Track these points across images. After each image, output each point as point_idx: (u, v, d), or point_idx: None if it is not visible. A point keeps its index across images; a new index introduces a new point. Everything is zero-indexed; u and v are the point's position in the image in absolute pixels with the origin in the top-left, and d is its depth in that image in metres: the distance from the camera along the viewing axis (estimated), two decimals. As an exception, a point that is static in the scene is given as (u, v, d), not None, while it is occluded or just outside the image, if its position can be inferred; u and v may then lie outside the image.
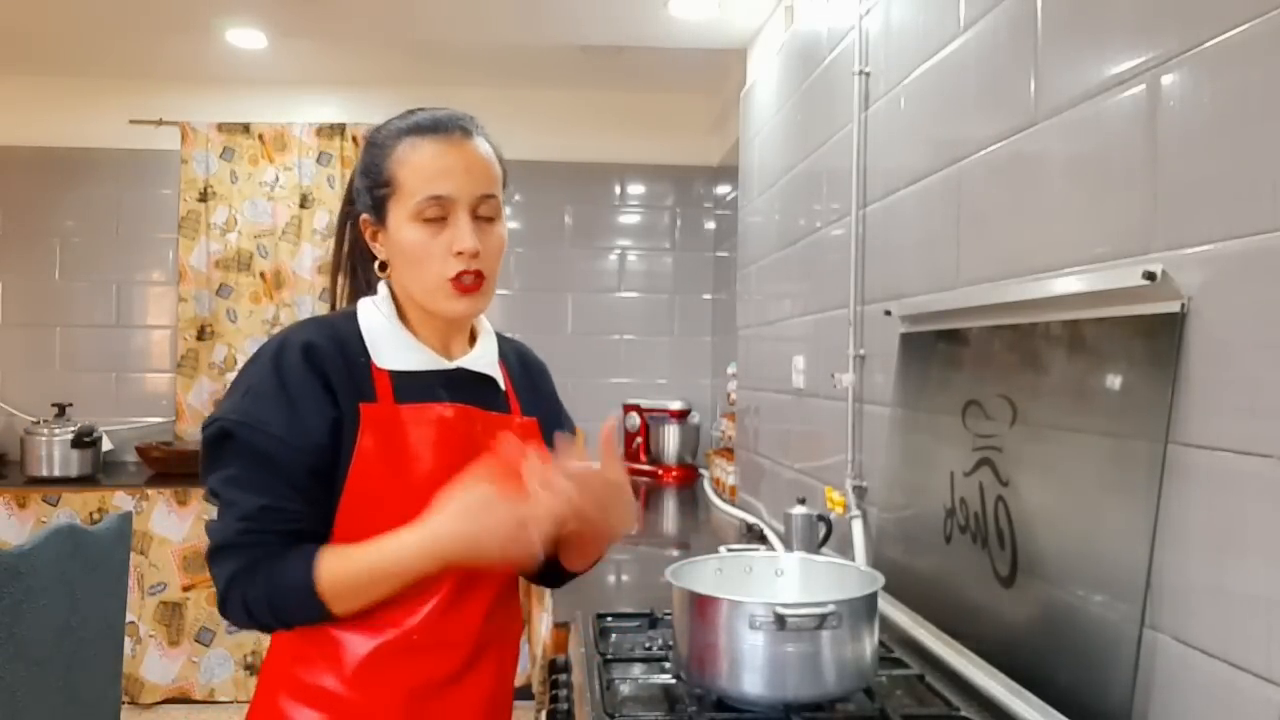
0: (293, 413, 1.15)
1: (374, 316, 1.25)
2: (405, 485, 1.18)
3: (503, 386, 1.33)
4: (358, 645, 1.18)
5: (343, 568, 1.14)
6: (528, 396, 1.37)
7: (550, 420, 1.37)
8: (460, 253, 1.19)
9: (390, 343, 1.24)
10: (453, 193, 1.20)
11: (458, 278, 1.20)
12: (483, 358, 1.31)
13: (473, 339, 1.33)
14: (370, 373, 1.21)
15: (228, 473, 1.16)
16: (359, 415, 1.18)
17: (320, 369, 1.17)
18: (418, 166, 1.20)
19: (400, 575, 1.15)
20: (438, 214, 1.20)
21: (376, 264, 1.28)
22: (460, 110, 1.27)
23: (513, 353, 1.40)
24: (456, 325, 1.29)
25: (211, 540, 1.17)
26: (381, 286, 1.29)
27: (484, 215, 1.22)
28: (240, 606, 1.15)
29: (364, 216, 1.27)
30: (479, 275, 1.21)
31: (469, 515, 1.11)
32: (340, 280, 1.36)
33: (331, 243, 1.40)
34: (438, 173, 1.20)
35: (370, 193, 1.25)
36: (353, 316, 1.26)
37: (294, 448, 1.15)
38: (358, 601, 1.16)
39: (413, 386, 1.23)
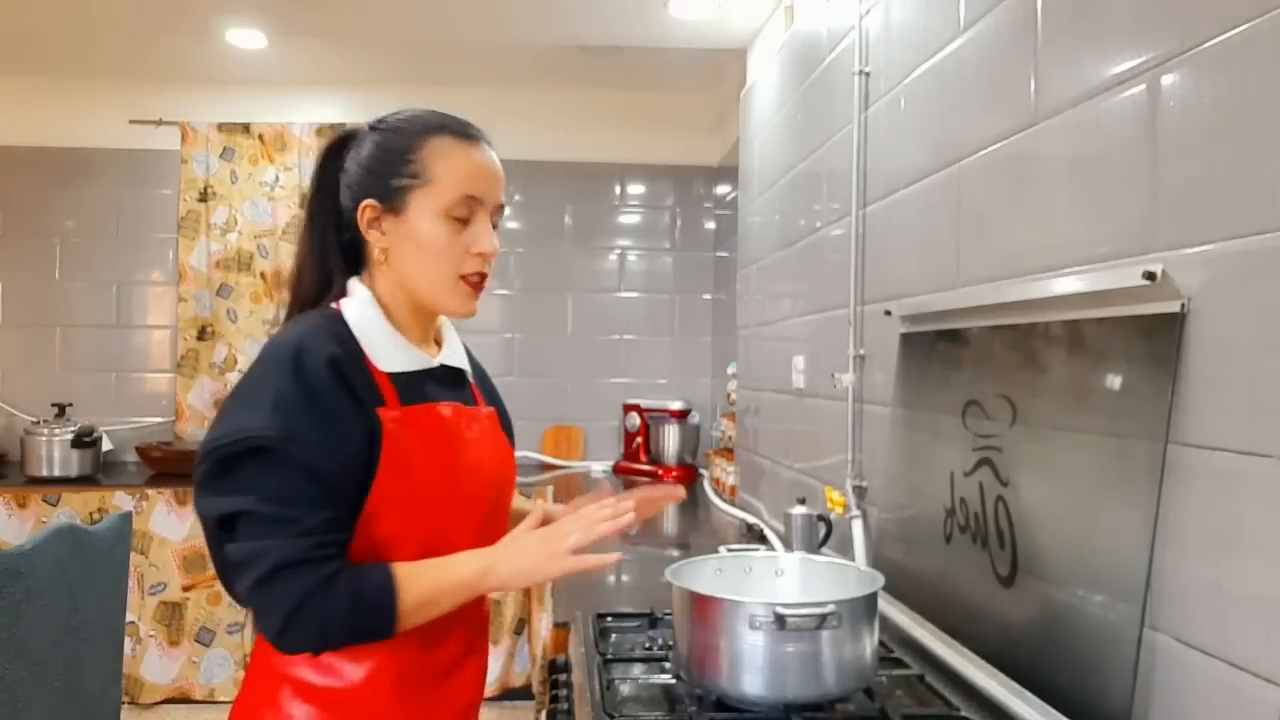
0: (332, 429, 1.14)
1: (364, 318, 1.24)
2: (418, 486, 1.20)
3: (470, 380, 1.40)
4: None
5: (417, 585, 1.16)
6: (484, 388, 1.44)
7: (503, 412, 1.44)
8: (480, 254, 1.24)
9: (385, 345, 1.24)
10: (484, 196, 1.25)
11: (471, 276, 1.25)
12: (455, 353, 1.37)
13: (437, 337, 1.37)
14: (374, 377, 1.21)
15: (274, 489, 1.11)
16: (379, 421, 1.18)
17: (347, 381, 1.17)
18: (456, 165, 1.23)
19: (458, 596, 1.20)
20: (465, 214, 1.23)
21: (378, 250, 1.25)
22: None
23: (465, 347, 1.44)
24: (433, 324, 1.34)
25: (269, 561, 1.10)
26: (359, 288, 1.26)
27: (496, 222, 1.28)
28: (314, 624, 1.11)
29: (369, 202, 1.24)
30: (484, 277, 1.27)
31: (524, 552, 1.20)
32: (308, 272, 1.31)
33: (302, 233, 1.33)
34: (476, 174, 1.24)
35: (387, 179, 1.23)
36: (338, 319, 1.23)
37: (339, 462, 1.14)
38: (421, 618, 1.18)
39: (409, 387, 1.24)
